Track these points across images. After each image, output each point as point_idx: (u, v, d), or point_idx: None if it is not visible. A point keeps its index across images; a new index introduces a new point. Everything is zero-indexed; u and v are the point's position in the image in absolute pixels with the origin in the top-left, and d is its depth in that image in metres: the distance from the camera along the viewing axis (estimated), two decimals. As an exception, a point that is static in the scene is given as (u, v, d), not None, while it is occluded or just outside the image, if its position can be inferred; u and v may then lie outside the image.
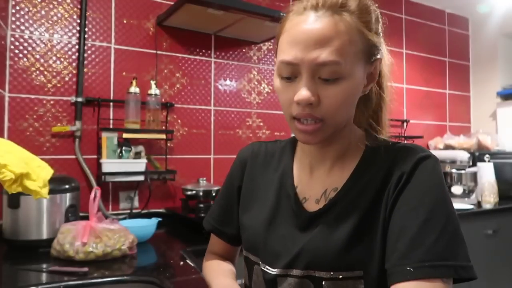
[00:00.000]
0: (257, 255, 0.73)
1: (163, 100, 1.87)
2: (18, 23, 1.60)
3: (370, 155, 0.69)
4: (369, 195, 0.64)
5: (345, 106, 0.62)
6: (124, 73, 1.80)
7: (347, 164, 0.70)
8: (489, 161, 2.48)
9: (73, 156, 1.68)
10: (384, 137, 0.71)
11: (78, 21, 1.71)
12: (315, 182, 0.72)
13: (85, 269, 1.09)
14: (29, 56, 1.62)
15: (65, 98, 1.68)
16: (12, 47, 1.59)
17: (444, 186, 0.61)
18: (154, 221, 1.51)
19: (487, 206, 2.33)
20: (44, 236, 1.32)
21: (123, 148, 1.68)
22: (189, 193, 1.78)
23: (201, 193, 1.77)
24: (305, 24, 0.60)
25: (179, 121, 1.94)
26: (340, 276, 0.62)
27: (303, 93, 0.60)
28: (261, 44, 2.19)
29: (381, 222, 0.62)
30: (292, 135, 0.76)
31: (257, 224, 0.75)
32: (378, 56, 0.66)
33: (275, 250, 0.69)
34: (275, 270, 0.68)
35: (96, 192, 1.28)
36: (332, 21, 0.59)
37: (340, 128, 0.67)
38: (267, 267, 0.70)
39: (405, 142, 0.73)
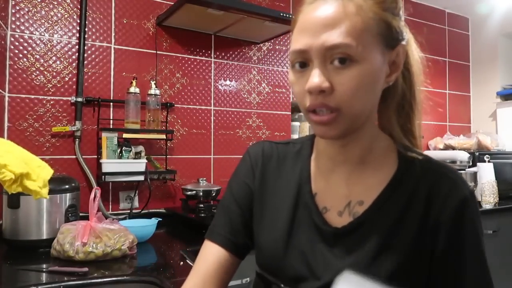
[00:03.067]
0: (276, 275, 0.65)
1: (163, 100, 1.87)
2: (18, 23, 1.60)
3: (404, 170, 0.63)
4: (409, 223, 0.59)
5: (362, 93, 0.57)
6: (124, 73, 1.80)
7: (373, 172, 0.64)
8: (489, 161, 2.48)
9: (73, 156, 1.68)
10: (415, 149, 0.67)
11: (78, 21, 1.71)
12: (335, 189, 0.65)
13: (85, 269, 1.09)
14: (29, 56, 1.62)
15: (65, 98, 1.68)
16: (12, 47, 1.59)
17: (481, 227, 0.61)
18: (154, 221, 1.51)
19: (487, 206, 2.33)
20: (44, 236, 1.32)
21: (123, 148, 1.68)
22: (189, 193, 1.78)
23: (201, 193, 1.77)
24: (314, 12, 0.58)
25: (179, 121, 1.94)
26: None
27: (313, 80, 0.55)
28: (261, 44, 2.19)
29: (428, 262, 0.59)
30: (305, 134, 0.72)
31: (273, 239, 0.67)
32: (402, 42, 0.61)
33: (297, 269, 0.62)
34: None
35: (96, 192, 1.28)
36: (340, 4, 0.56)
37: (361, 123, 0.60)
38: None
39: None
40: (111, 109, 1.77)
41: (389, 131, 0.68)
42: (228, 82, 2.09)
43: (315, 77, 0.56)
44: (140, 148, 1.75)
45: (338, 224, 0.62)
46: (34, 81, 1.62)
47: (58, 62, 1.67)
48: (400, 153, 0.65)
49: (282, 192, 0.70)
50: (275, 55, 2.24)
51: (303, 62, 0.58)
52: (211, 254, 0.70)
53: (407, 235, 0.58)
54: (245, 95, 2.14)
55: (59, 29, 1.68)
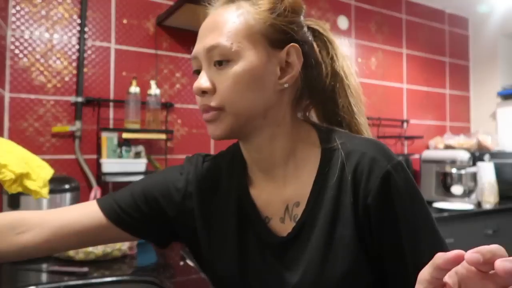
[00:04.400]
0: None
1: (163, 100, 1.87)
2: (18, 23, 1.60)
3: (327, 160, 0.61)
4: (345, 215, 0.58)
5: (243, 91, 0.57)
6: (124, 73, 1.80)
7: (301, 170, 0.63)
8: (489, 161, 2.48)
9: (73, 156, 1.68)
10: (335, 129, 0.65)
11: (78, 21, 1.71)
12: (273, 195, 0.64)
13: (85, 269, 1.09)
14: (29, 56, 1.62)
15: (65, 98, 1.68)
16: (12, 47, 1.59)
17: (418, 194, 0.58)
18: (154, 221, 1.51)
19: (487, 206, 2.33)
20: (44, 236, 1.31)
21: (123, 148, 1.68)
22: (189, 193, 1.78)
23: (201, 193, 1.77)
24: (205, 20, 0.62)
25: (179, 121, 1.94)
26: None
27: (198, 82, 0.59)
28: (261, 44, 2.19)
29: (372, 247, 0.57)
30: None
31: (228, 266, 0.64)
32: (293, 43, 0.60)
33: None
34: None
35: (96, 192, 1.28)
36: (223, 9, 0.60)
37: (254, 122, 0.60)
38: None
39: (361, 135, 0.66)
40: (111, 109, 1.76)
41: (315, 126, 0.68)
42: (228, 82, 2.09)
43: (199, 79, 0.59)
44: (140, 148, 1.75)
45: (283, 232, 0.61)
46: (34, 81, 1.62)
47: (58, 62, 1.67)
48: (322, 144, 0.63)
49: (224, 211, 0.66)
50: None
51: (197, 68, 0.62)
52: (87, 208, 0.67)
53: (347, 227, 0.57)
54: (245, 95, 2.14)
55: (59, 29, 1.68)
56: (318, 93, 0.67)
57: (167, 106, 1.87)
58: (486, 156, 2.51)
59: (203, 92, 0.59)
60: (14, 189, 0.78)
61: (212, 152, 2.02)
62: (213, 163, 0.71)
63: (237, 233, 0.64)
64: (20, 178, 0.78)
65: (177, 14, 1.74)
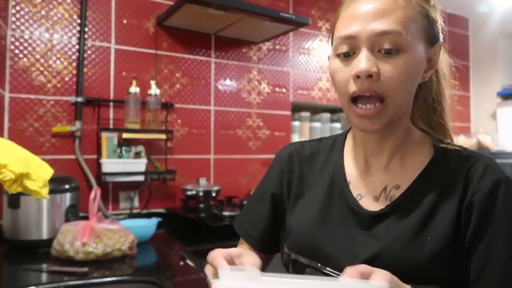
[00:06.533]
0: (310, 256, 0.67)
1: (163, 100, 1.87)
2: (18, 23, 1.60)
3: (441, 157, 0.64)
4: (448, 205, 0.60)
5: (406, 83, 0.59)
6: (124, 73, 1.80)
7: (408, 160, 0.66)
8: (489, 161, 2.47)
9: (73, 156, 1.68)
10: (450, 141, 0.69)
11: (78, 21, 1.71)
12: (371, 178, 0.67)
13: (85, 269, 1.09)
14: (29, 56, 1.62)
15: (65, 98, 1.68)
16: (12, 47, 1.59)
17: None
18: (154, 221, 1.51)
19: (487, 206, 2.33)
20: (44, 236, 1.32)
21: (123, 148, 1.68)
22: (189, 193, 1.78)
23: (201, 193, 1.77)
24: (363, 2, 0.60)
25: (179, 121, 1.94)
26: None
27: (362, 64, 0.57)
28: (261, 44, 2.19)
29: (465, 241, 0.59)
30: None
31: (307, 223, 0.69)
32: (439, 41, 0.63)
33: (333, 250, 0.63)
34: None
35: (96, 192, 1.28)
36: None
37: (400, 115, 0.62)
38: (328, 269, 0.63)
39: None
40: (111, 109, 1.76)
41: (420, 125, 0.70)
42: (228, 82, 2.09)
43: (364, 62, 0.57)
44: (140, 148, 1.75)
45: (374, 209, 0.63)
46: (34, 81, 1.62)
47: (58, 62, 1.67)
48: (434, 143, 0.66)
49: (316, 183, 0.72)
50: (275, 55, 2.24)
51: (349, 49, 0.60)
52: (240, 243, 0.80)
53: (447, 216, 0.59)
54: (245, 95, 2.14)
55: (59, 29, 1.68)
56: (429, 90, 0.69)
57: (167, 106, 1.88)
58: (486, 156, 2.51)
59: (368, 76, 0.57)
60: (14, 189, 0.78)
61: (211, 152, 2.02)
62: (312, 145, 0.78)
63: (324, 203, 0.68)
64: (20, 178, 0.78)
65: (177, 14, 1.74)
